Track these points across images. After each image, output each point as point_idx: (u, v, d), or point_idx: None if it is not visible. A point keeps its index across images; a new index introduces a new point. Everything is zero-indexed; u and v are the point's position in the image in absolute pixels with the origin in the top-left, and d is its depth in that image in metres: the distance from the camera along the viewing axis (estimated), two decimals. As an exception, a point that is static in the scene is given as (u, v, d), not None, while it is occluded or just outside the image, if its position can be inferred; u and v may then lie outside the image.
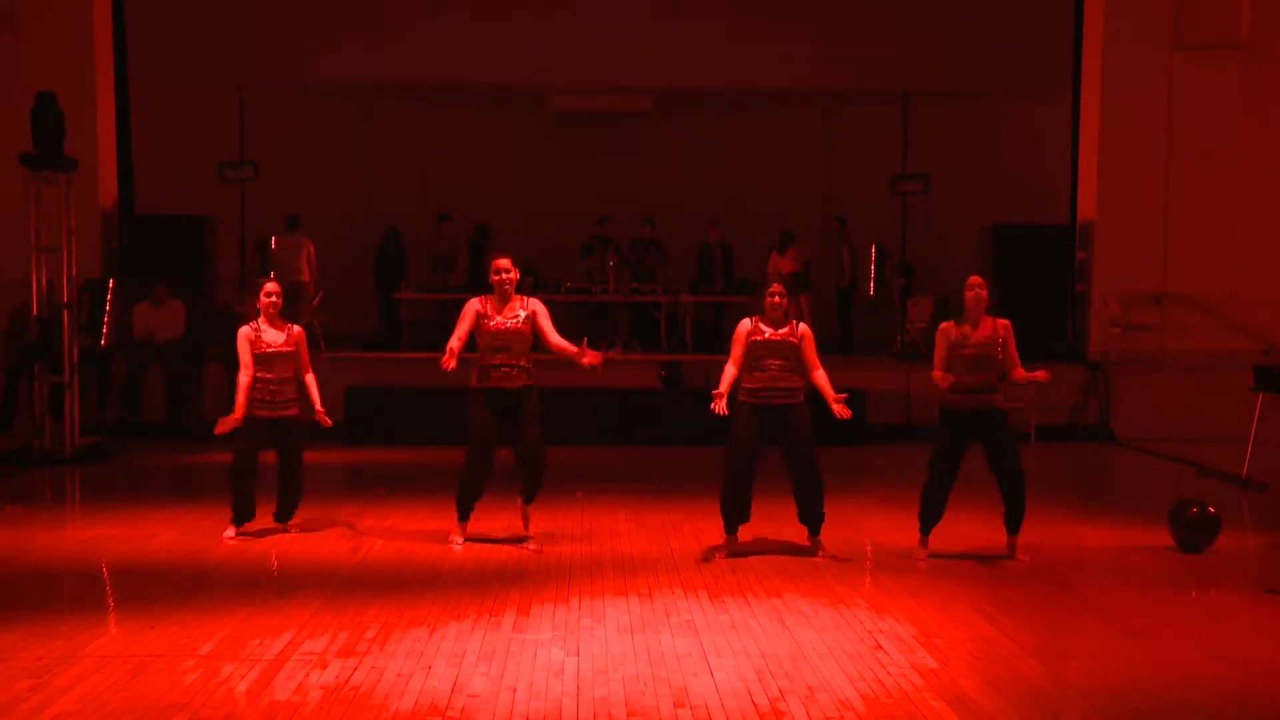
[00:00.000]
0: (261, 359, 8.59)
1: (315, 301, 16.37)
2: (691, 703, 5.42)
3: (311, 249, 16.86)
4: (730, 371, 8.18)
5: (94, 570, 8.05)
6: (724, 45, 18.36)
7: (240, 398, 8.55)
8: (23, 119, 12.75)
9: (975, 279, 8.24)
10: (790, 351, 8.14)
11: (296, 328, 8.84)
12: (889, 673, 5.85)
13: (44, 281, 12.85)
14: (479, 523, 8.74)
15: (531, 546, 8.49)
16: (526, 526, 8.69)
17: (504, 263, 8.32)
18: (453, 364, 7.99)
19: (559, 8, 18.17)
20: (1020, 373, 8.17)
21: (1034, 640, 6.58)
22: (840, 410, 7.99)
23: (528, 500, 8.64)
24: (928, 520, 8.38)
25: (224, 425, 8.47)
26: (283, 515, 8.97)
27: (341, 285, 17.65)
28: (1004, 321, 8.25)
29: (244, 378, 8.58)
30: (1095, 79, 15.87)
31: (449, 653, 6.11)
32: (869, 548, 8.66)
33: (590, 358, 8.21)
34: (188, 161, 17.33)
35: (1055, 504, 10.85)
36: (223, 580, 7.64)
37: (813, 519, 8.32)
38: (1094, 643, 6.53)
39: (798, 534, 8.61)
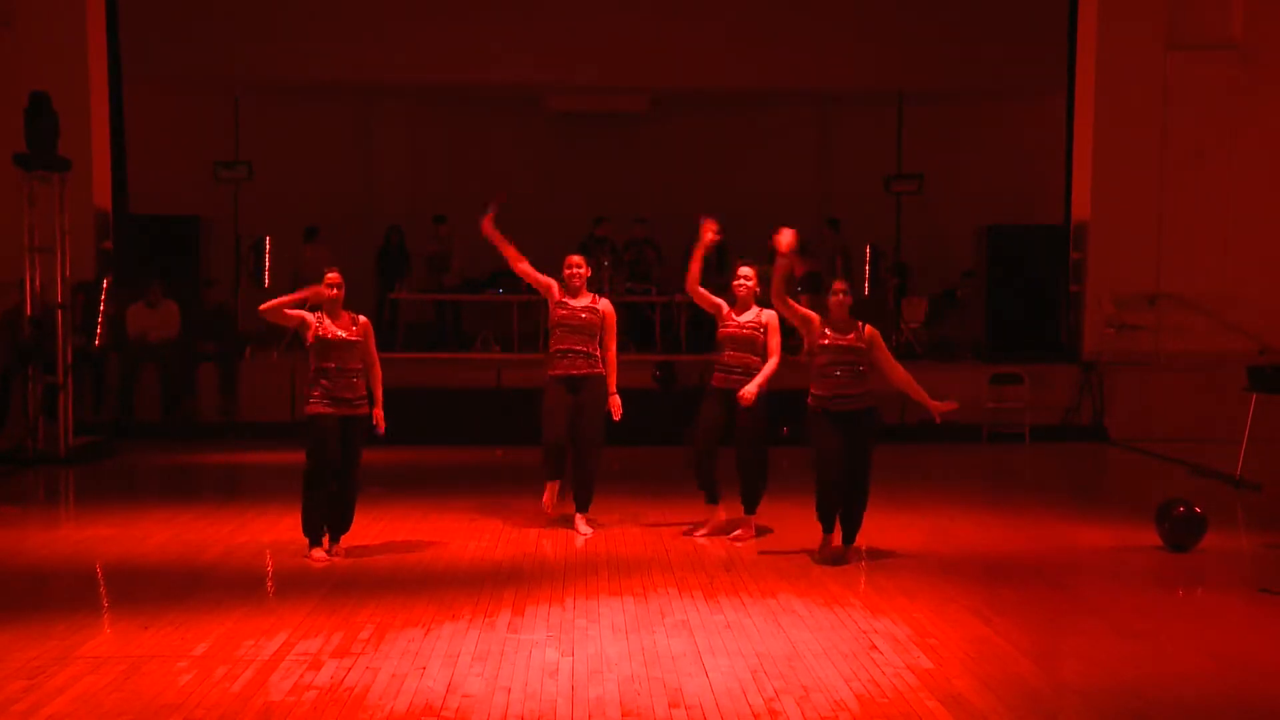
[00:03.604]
0: (322, 347, 8.00)
1: (308, 303, 16.35)
2: (686, 703, 5.42)
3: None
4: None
5: (88, 571, 8.05)
6: (720, 46, 18.35)
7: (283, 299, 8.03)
8: (17, 119, 12.72)
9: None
10: (858, 357, 8.05)
11: (363, 318, 8.26)
12: (884, 673, 5.85)
13: (38, 282, 12.83)
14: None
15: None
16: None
17: (575, 259, 8.99)
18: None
19: (555, 8, 18.15)
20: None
21: (1029, 640, 6.59)
22: (946, 405, 8.14)
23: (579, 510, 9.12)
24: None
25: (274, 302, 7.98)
26: (332, 535, 8.23)
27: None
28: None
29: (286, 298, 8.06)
30: (1090, 79, 15.88)
31: (444, 653, 6.10)
32: (863, 547, 8.66)
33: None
34: (182, 162, 17.30)
35: (1050, 504, 10.87)
36: (217, 581, 7.63)
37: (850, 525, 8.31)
38: (1089, 642, 6.53)
39: (794, 535, 8.63)
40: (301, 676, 5.73)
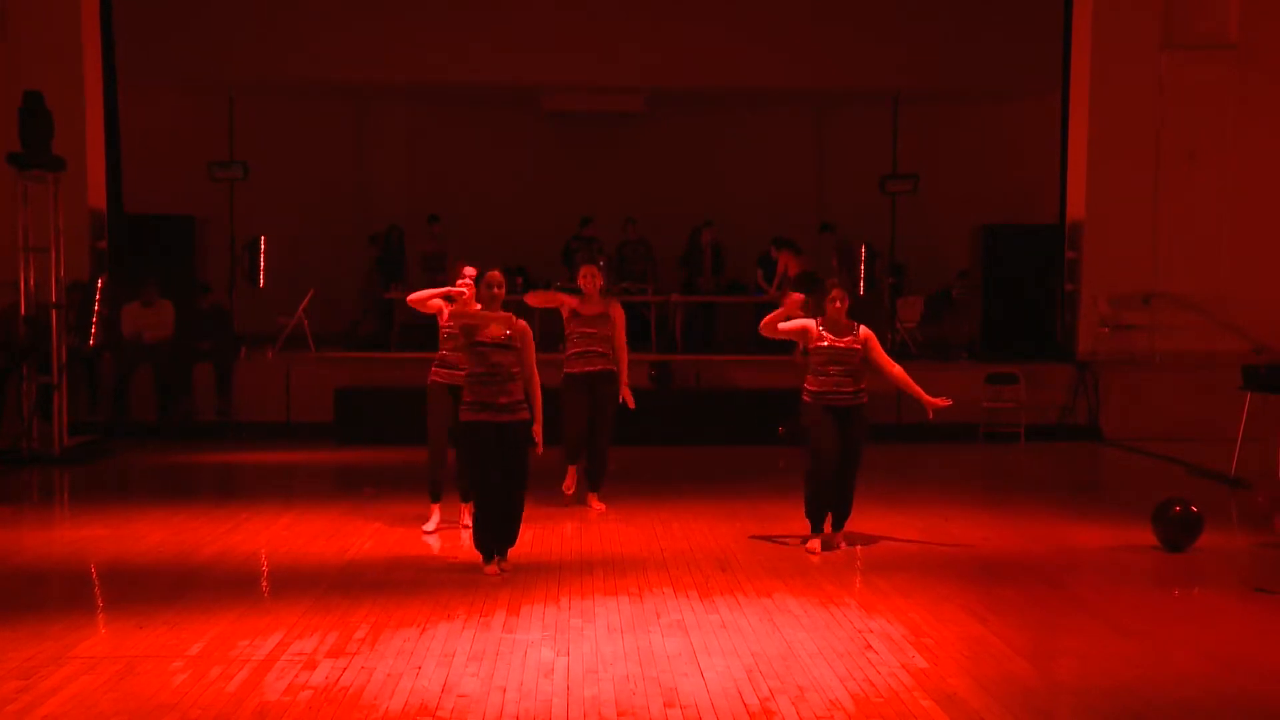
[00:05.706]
0: (479, 351, 7.63)
1: (305, 301, 16.33)
2: (681, 702, 5.42)
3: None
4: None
5: (83, 571, 8.03)
6: (715, 46, 18.34)
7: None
8: (11, 118, 12.71)
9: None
10: (853, 358, 8.36)
11: (521, 321, 7.76)
12: (879, 672, 5.85)
13: (32, 281, 12.81)
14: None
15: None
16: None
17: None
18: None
19: (551, 7, 18.15)
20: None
21: (1024, 640, 6.59)
22: (939, 401, 8.39)
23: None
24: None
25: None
26: (499, 550, 7.87)
27: (333, 286, 17.61)
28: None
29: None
30: (1085, 79, 15.88)
31: (439, 653, 6.10)
32: (859, 547, 8.66)
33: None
34: (177, 161, 17.28)
35: (1045, 503, 10.88)
36: (212, 581, 7.62)
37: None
38: (1084, 642, 6.54)
39: (791, 533, 8.64)
40: (296, 676, 5.73)
